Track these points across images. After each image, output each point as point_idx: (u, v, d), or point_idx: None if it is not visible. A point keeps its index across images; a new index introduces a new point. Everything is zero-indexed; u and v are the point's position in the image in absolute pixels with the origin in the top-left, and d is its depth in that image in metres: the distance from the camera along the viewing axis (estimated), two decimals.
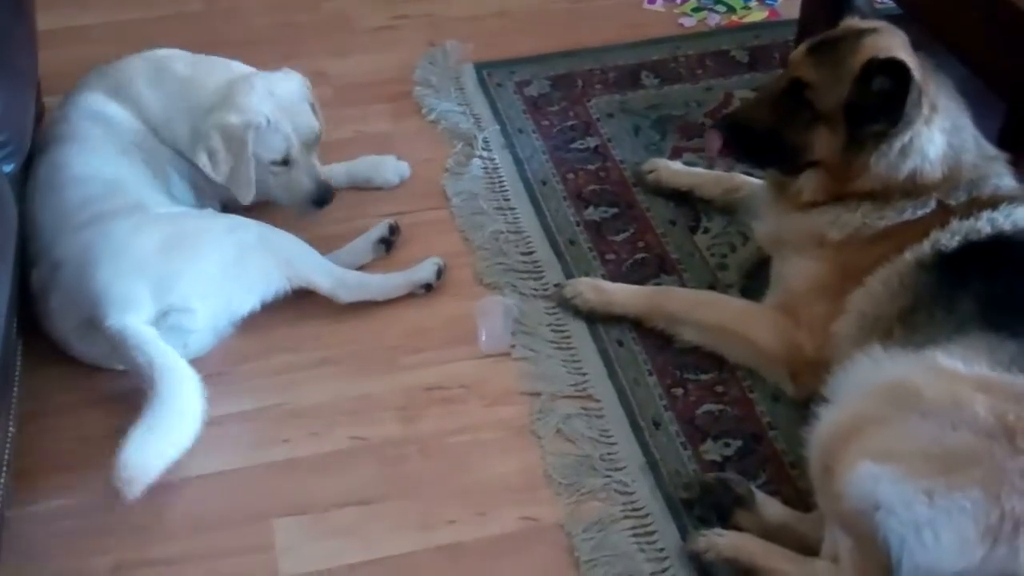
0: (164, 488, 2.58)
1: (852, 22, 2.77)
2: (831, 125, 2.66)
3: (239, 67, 3.13)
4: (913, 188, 2.63)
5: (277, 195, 3.07)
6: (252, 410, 2.77)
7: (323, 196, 3.08)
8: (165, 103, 3.03)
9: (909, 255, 2.56)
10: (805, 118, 2.69)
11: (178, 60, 3.11)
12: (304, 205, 3.08)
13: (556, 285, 3.04)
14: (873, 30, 2.69)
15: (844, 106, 2.62)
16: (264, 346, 2.91)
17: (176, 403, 2.59)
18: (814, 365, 2.62)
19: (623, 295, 2.95)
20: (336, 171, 3.31)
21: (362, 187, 3.37)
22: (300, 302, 2.95)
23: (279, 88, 3.02)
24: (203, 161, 2.94)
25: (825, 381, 2.48)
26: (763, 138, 2.78)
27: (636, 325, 2.93)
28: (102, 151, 2.95)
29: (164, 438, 2.54)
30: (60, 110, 3.06)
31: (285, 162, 3.01)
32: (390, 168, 3.41)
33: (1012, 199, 2.60)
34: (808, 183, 2.76)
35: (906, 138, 2.60)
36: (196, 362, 2.78)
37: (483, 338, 2.90)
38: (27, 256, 2.82)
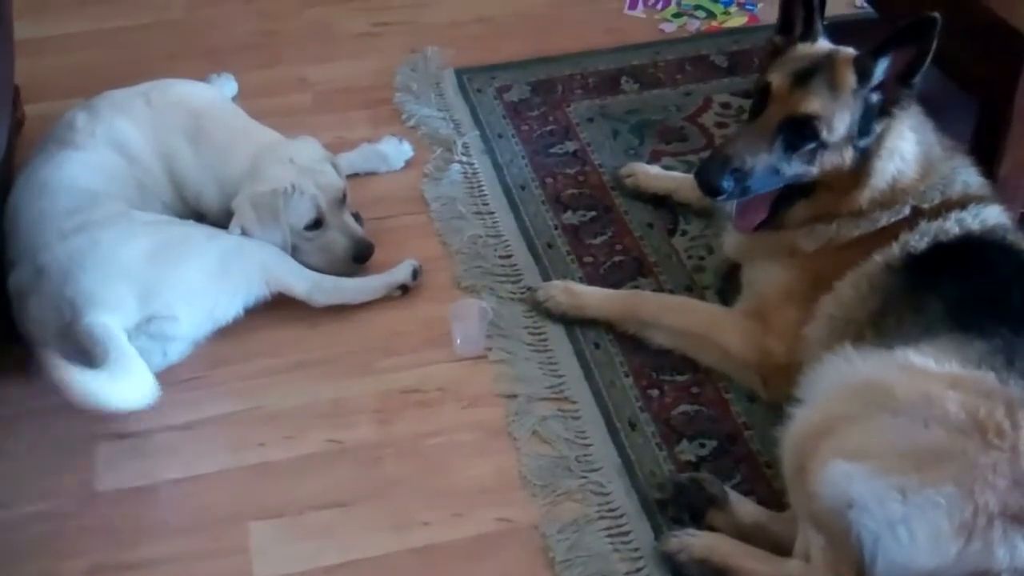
0: (139, 491, 2.60)
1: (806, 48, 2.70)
2: (839, 148, 2.57)
3: (266, 135, 3.16)
4: (891, 197, 2.61)
5: (317, 260, 3.04)
6: (228, 413, 2.77)
7: (362, 252, 3.07)
8: (201, 171, 3.07)
9: (879, 257, 2.56)
10: (807, 151, 2.57)
11: (217, 123, 3.12)
12: (344, 264, 3.06)
13: (530, 288, 3.04)
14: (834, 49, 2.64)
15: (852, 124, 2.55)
16: (241, 350, 2.91)
17: (125, 370, 2.59)
18: (785, 370, 2.61)
19: (595, 299, 2.95)
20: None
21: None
22: (277, 307, 2.95)
23: (298, 154, 3.04)
24: (236, 235, 2.95)
25: (797, 384, 2.47)
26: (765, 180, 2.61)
27: (611, 328, 2.93)
28: (111, 177, 2.96)
29: (116, 381, 2.55)
30: (86, 119, 3.03)
31: (318, 224, 3.02)
32: (392, 155, 3.47)
33: (981, 199, 2.60)
34: (797, 214, 2.69)
35: (889, 139, 2.57)
36: (172, 366, 2.81)
37: (458, 341, 2.89)
38: (4, 258, 2.83)
